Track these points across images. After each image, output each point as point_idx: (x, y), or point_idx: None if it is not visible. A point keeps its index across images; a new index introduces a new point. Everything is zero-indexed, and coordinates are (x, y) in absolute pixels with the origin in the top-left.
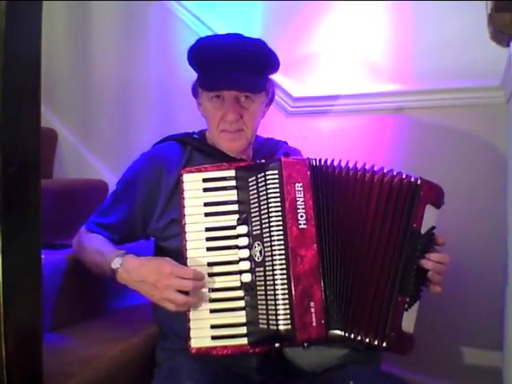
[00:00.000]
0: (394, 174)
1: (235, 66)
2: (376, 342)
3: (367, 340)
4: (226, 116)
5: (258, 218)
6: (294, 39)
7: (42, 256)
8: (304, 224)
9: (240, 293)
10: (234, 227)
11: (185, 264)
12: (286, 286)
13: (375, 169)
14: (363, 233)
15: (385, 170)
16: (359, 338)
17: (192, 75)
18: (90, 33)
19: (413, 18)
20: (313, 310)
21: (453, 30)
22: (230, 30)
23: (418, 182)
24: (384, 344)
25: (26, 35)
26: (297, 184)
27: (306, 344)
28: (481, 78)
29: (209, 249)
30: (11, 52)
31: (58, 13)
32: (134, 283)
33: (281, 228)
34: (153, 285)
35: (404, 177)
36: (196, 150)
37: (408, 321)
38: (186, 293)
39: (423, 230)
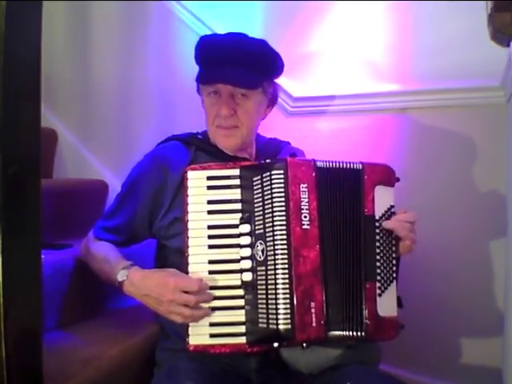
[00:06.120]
0: (339, 165)
1: (233, 63)
2: (357, 334)
3: (350, 334)
4: (220, 110)
5: (261, 218)
6: (294, 39)
7: (42, 256)
8: (307, 225)
9: (240, 291)
10: (236, 226)
11: (186, 261)
12: (287, 286)
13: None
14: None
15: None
16: (349, 334)
17: (192, 75)
18: (90, 33)
19: (413, 18)
20: (313, 310)
21: (453, 30)
22: (230, 30)
23: (359, 166)
24: (363, 334)
25: (26, 35)
26: (302, 185)
27: (305, 344)
28: (481, 77)
29: (210, 246)
30: (11, 52)
31: (58, 13)
32: (139, 296)
33: (284, 228)
34: (158, 299)
35: (345, 165)
36: (200, 150)
37: (386, 305)
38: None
39: (380, 212)
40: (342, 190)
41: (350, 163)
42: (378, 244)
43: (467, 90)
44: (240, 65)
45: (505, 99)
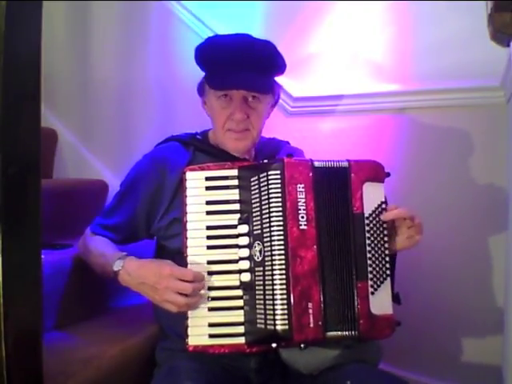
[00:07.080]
0: (329, 164)
1: (244, 66)
2: (351, 333)
3: (345, 334)
4: (234, 115)
5: (259, 218)
6: (294, 39)
7: (42, 256)
8: (304, 225)
9: (239, 292)
10: (234, 226)
11: (185, 261)
12: (284, 287)
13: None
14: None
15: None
16: (344, 333)
17: (192, 75)
18: (89, 33)
19: (413, 18)
20: (311, 311)
21: (453, 30)
22: (230, 31)
23: (345, 164)
24: (357, 333)
25: (26, 35)
26: (299, 185)
27: (303, 345)
28: (481, 77)
29: (209, 247)
30: (11, 52)
31: (58, 13)
32: (135, 285)
33: (281, 228)
34: (153, 287)
35: (334, 164)
36: (199, 150)
37: (379, 303)
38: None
39: (370, 209)
40: (334, 189)
41: (337, 162)
42: (368, 242)
43: (467, 90)
44: (252, 68)
45: (505, 99)
